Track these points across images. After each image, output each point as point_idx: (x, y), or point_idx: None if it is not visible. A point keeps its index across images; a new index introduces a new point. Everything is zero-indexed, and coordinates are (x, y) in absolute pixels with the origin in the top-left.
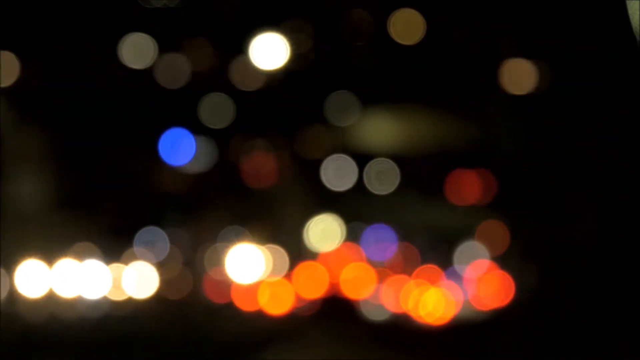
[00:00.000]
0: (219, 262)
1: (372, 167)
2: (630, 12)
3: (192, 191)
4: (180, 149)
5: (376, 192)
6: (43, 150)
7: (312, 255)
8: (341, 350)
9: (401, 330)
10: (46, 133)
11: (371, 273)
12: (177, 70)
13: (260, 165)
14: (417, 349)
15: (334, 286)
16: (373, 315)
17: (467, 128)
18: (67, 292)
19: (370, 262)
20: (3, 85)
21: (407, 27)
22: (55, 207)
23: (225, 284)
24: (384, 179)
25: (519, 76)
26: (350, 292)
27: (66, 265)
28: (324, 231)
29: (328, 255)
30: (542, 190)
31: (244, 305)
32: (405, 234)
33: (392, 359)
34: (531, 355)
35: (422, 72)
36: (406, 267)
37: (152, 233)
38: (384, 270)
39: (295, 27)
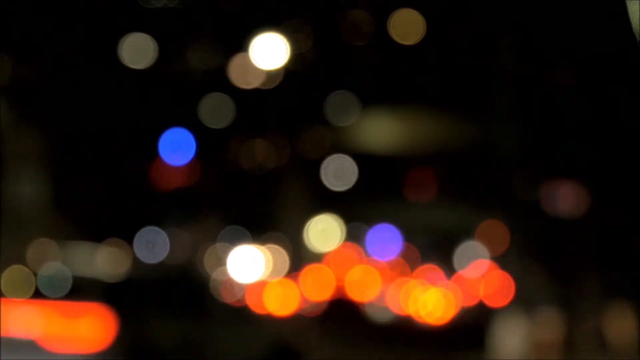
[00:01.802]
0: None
1: (372, 167)
2: (630, 12)
3: (192, 191)
4: (180, 149)
5: (377, 192)
6: (43, 151)
7: (313, 256)
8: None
9: (404, 332)
10: (46, 133)
11: (376, 275)
12: (177, 70)
13: (260, 166)
14: (419, 349)
15: (339, 288)
16: (378, 317)
17: (467, 128)
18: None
19: (371, 262)
20: None
21: (407, 27)
22: (55, 207)
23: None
24: (380, 179)
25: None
26: (355, 294)
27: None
28: (324, 231)
29: (332, 256)
30: (542, 191)
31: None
32: (405, 234)
33: (394, 359)
34: (531, 355)
35: (422, 72)
36: (407, 267)
37: (152, 233)
38: (386, 272)
39: (295, 27)
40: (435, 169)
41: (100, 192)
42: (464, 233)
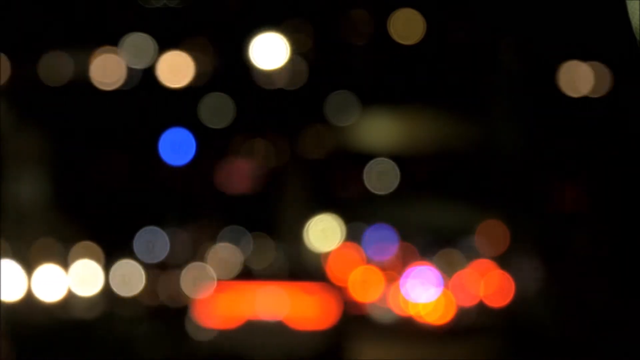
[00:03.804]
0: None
1: (372, 167)
2: (630, 12)
3: (192, 191)
4: (180, 149)
5: (377, 192)
6: (43, 151)
7: (314, 256)
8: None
9: (406, 332)
10: (46, 133)
11: (378, 276)
12: (177, 70)
13: (259, 166)
14: (420, 349)
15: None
16: (381, 318)
17: (467, 128)
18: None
19: (371, 262)
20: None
21: (407, 27)
22: (55, 207)
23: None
24: (384, 179)
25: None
26: (358, 295)
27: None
28: (324, 231)
29: (333, 256)
30: (542, 191)
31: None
32: (405, 234)
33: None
34: (531, 355)
35: (422, 72)
36: (406, 267)
37: (152, 233)
38: (386, 272)
39: (295, 27)
40: (436, 168)
41: (100, 192)
42: (464, 233)
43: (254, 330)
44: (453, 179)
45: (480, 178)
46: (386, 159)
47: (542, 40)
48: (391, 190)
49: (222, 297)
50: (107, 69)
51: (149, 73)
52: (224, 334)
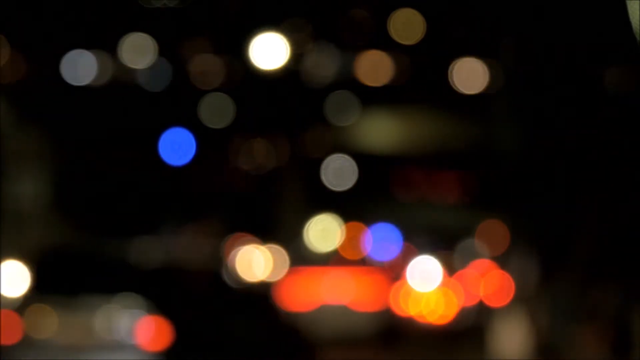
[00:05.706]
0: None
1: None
2: (630, 12)
3: (192, 191)
4: (180, 149)
5: (376, 192)
6: (43, 151)
7: (313, 256)
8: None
9: (407, 332)
10: (46, 133)
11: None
12: (177, 70)
13: (259, 166)
14: (421, 350)
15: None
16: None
17: (466, 128)
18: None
19: (371, 262)
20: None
21: (407, 27)
22: (55, 207)
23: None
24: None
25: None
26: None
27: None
28: (324, 231)
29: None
30: (541, 190)
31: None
32: (405, 234)
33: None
34: (531, 354)
35: (422, 72)
36: (406, 266)
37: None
38: (386, 272)
39: (295, 27)
40: (435, 169)
41: (100, 192)
42: (464, 232)
43: (326, 313)
44: (453, 179)
45: (479, 178)
46: (385, 159)
47: (542, 40)
48: (390, 190)
49: (298, 281)
50: (109, 69)
51: (149, 73)
52: (302, 317)
